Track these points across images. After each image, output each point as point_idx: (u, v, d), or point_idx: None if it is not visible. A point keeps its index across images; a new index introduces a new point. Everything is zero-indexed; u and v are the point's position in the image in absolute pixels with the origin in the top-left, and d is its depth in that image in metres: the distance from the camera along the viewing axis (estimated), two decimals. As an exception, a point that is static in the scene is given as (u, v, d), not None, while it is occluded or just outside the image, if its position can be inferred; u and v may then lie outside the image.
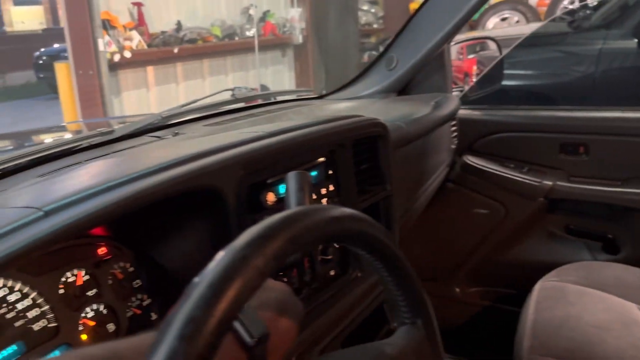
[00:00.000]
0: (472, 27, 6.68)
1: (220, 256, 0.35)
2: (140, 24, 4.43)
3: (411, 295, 0.54)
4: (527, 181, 1.59)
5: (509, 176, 1.61)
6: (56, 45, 9.54)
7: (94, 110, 3.95)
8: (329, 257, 0.89)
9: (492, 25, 6.50)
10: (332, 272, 0.90)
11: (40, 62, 9.37)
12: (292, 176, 0.60)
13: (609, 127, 1.53)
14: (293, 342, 0.49)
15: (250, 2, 5.47)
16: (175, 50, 4.62)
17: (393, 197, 1.01)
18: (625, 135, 1.51)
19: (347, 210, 0.45)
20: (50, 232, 0.49)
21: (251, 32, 5.40)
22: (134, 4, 4.34)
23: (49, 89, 9.14)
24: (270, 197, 0.77)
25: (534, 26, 5.82)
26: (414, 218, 1.58)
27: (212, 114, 1.34)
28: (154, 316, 0.73)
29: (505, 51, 1.77)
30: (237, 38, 5.34)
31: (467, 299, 1.78)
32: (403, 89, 1.65)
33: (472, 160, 1.68)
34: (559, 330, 1.19)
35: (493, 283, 1.73)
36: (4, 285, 0.59)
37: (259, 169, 0.75)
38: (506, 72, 1.74)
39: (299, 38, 5.99)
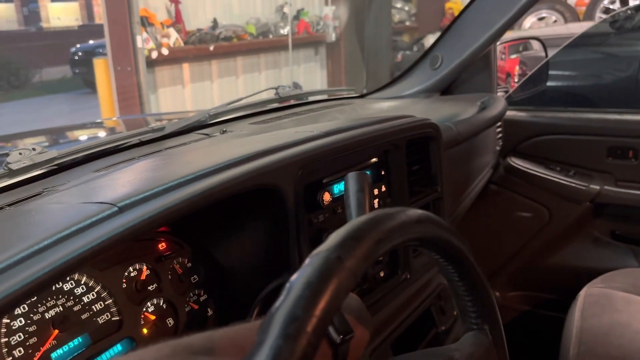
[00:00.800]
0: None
1: (315, 257, 0.35)
2: (177, 21, 4.48)
3: (481, 301, 0.53)
4: (573, 185, 1.56)
5: (554, 179, 1.58)
6: (91, 42, 9.74)
7: (131, 106, 4.02)
8: (379, 258, 0.88)
9: (530, 24, 6.37)
10: (381, 274, 0.90)
11: (76, 57, 9.56)
12: (352, 176, 0.59)
13: None
14: (365, 349, 0.49)
15: (285, 0, 5.48)
16: (211, 48, 4.67)
17: (443, 199, 1.00)
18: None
19: (428, 214, 0.45)
20: (128, 228, 0.50)
21: (285, 30, 5.41)
22: (172, 1, 4.40)
23: (84, 83, 9.35)
24: (327, 197, 0.77)
25: (571, 26, 5.69)
26: (458, 220, 1.56)
27: (257, 112, 1.35)
28: (209, 312, 0.74)
29: (550, 51, 1.73)
30: (271, 36, 5.36)
31: (507, 303, 1.75)
32: (446, 88, 1.63)
33: (516, 162, 1.65)
34: (605, 337, 1.16)
35: (535, 288, 1.69)
36: (71, 279, 0.61)
37: (315, 168, 0.75)
38: (552, 73, 1.70)
39: (332, 36, 5.98)
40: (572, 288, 1.32)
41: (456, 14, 2.00)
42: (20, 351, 0.55)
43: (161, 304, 0.69)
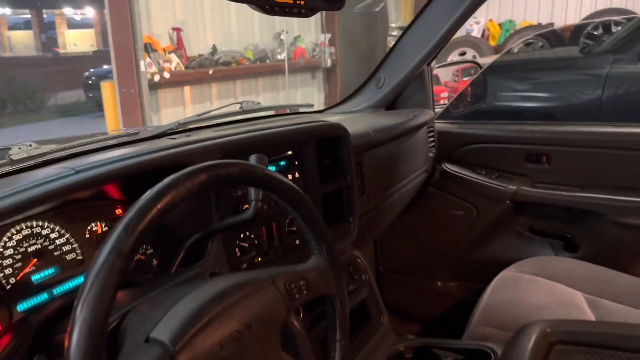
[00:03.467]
0: (497, 51, 6.87)
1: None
2: (179, 47, 4.84)
3: (316, 232, 0.78)
4: (496, 186, 1.80)
5: (481, 182, 1.83)
6: (105, 67, 10.09)
7: (134, 125, 4.34)
8: (294, 228, 1.14)
9: (517, 49, 6.67)
10: (297, 242, 1.15)
11: (90, 82, 9.89)
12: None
13: (569, 139, 1.73)
14: None
15: (282, 27, 5.83)
16: (210, 72, 5.01)
17: (353, 187, 1.26)
18: (583, 147, 1.71)
19: (259, 165, 0.71)
20: (76, 182, 0.76)
21: (282, 56, 5.75)
22: (174, 29, 4.76)
23: (97, 107, 9.71)
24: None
25: (556, 51, 6.02)
26: (394, 215, 1.81)
27: (222, 122, 1.62)
28: (154, 262, 1.00)
29: (483, 76, 2.00)
30: (268, 61, 5.70)
31: (447, 291, 1.98)
32: (391, 104, 1.90)
33: (450, 167, 1.90)
34: (503, 309, 1.39)
35: (468, 277, 1.93)
36: (48, 227, 0.87)
37: (233, 155, 1.01)
38: (480, 92, 1.97)
39: (327, 62, 6.31)
40: (497, 276, 1.55)
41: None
42: (8, 270, 0.81)
43: None
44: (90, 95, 10.07)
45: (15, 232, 0.81)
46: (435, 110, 1.99)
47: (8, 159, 1.07)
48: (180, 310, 0.62)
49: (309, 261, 0.80)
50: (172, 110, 4.88)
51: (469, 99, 1.95)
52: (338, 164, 1.24)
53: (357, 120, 1.70)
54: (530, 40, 6.69)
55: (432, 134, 1.83)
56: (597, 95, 3.28)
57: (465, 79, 2.78)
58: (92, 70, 10.23)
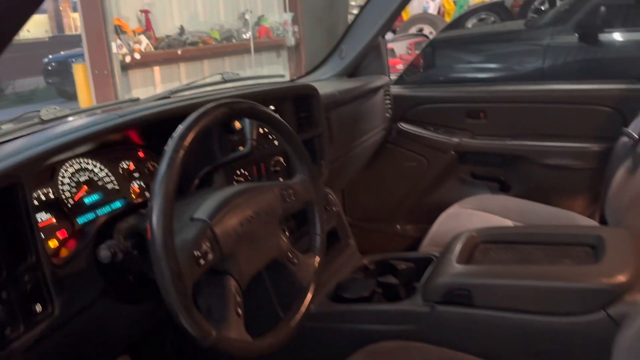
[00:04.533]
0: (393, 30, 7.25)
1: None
2: (147, 29, 5.00)
3: (299, 154, 1.07)
4: (442, 140, 2.13)
5: (429, 137, 2.16)
6: (63, 52, 9.98)
7: (108, 105, 4.51)
8: (278, 169, 1.42)
9: (471, 25, 7.05)
10: (280, 179, 1.44)
11: (49, 68, 9.72)
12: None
13: (501, 97, 2.07)
14: None
15: (246, 7, 6.03)
16: (179, 52, 5.19)
17: (323, 136, 1.55)
18: (513, 103, 2.05)
19: (261, 105, 0.99)
20: (116, 124, 1.04)
21: (247, 35, 5.96)
22: (142, 11, 4.91)
23: (58, 93, 9.62)
24: (238, 125, 1.31)
25: (507, 24, 6.45)
26: (358, 166, 2.12)
27: (210, 90, 1.88)
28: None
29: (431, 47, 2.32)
30: (234, 41, 5.90)
31: (406, 233, 2.32)
32: (352, 73, 2.19)
33: (404, 126, 2.22)
34: (445, 234, 1.72)
35: (422, 219, 2.26)
36: (92, 164, 1.13)
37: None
38: (428, 61, 2.29)
39: (291, 40, 6.55)
40: None
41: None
42: (68, 193, 1.07)
43: (141, 184, 1.21)
44: (50, 81, 9.91)
45: (69, 166, 1.08)
46: (392, 77, 2.30)
47: (39, 119, 1.31)
48: (211, 201, 0.90)
49: (295, 177, 1.09)
50: (143, 90, 5.05)
51: (419, 67, 2.26)
52: (311, 117, 1.53)
53: (324, 85, 1.98)
54: (483, 16, 7.11)
55: (388, 96, 2.14)
56: (538, 64, 3.70)
57: (418, 52, 3.11)
58: (50, 56, 10.05)
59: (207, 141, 1.23)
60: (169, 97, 1.58)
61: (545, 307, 1.07)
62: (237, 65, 6.05)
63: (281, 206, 1.00)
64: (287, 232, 1.36)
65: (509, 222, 1.74)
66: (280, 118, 1.03)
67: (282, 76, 2.19)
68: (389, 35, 3.06)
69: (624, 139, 1.72)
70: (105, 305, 1.01)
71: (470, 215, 1.82)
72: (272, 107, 1.42)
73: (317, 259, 1.07)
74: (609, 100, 1.88)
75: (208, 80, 1.91)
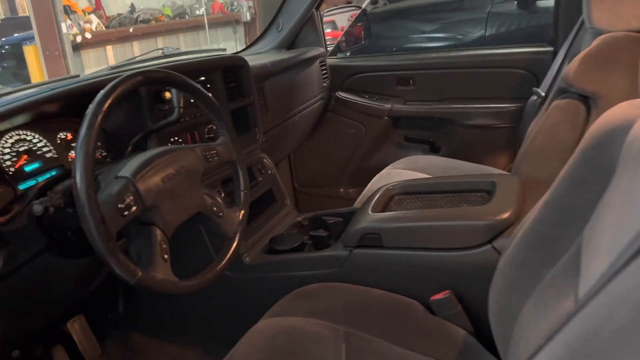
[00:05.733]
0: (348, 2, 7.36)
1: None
2: (97, 7, 4.96)
3: (220, 120, 1.19)
4: (376, 106, 2.28)
5: (365, 104, 2.30)
6: (16, 35, 9.68)
7: (61, 86, 4.49)
8: (212, 135, 1.54)
9: None
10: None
11: (3, 51, 9.45)
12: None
13: (427, 64, 2.22)
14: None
15: (199, -17, 6.00)
16: (131, 30, 5.17)
17: (254, 105, 1.67)
18: (438, 69, 2.20)
19: (178, 74, 1.10)
20: (45, 97, 1.13)
21: (200, 11, 5.95)
22: (91, -11, 4.86)
23: (14, 77, 9.36)
24: (168, 95, 1.41)
25: None
26: (299, 134, 2.25)
27: (148, 65, 1.96)
28: (108, 159, 1.38)
29: (365, 19, 2.44)
30: (187, 17, 5.89)
31: (348, 196, 2.47)
32: (291, 45, 2.30)
33: (342, 95, 2.35)
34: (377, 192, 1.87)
35: (363, 182, 2.41)
36: (31, 135, 1.23)
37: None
38: (363, 32, 2.42)
39: (246, 15, 6.56)
40: None
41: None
42: (9, 162, 1.17)
43: None
44: (5, 65, 9.61)
45: (9, 137, 1.17)
46: (329, 48, 2.42)
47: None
48: (135, 161, 1.02)
49: (218, 139, 1.21)
50: (97, 69, 5.02)
51: (354, 38, 2.39)
52: (241, 87, 1.64)
53: (260, 57, 2.10)
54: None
55: (324, 67, 2.26)
56: (480, 32, 3.87)
57: (359, 24, 3.22)
58: (3, 39, 9.73)
59: (139, 111, 1.34)
60: (107, 74, 1.67)
61: (444, 244, 1.23)
62: (192, 42, 6.05)
63: (203, 165, 1.12)
64: (221, 193, 1.49)
65: (432, 177, 1.90)
66: (197, 84, 1.14)
67: (224, 50, 2.28)
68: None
69: (533, 97, 1.90)
70: (49, 261, 1.13)
71: (399, 174, 1.97)
72: (202, 78, 1.53)
73: (242, 212, 1.20)
74: (522, 63, 2.05)
75: (148, 56, 2.00)
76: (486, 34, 3.92)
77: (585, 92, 1.32)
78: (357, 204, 1.87)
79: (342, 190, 2.48)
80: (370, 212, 1.36)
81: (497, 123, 2.11)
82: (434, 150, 2.28)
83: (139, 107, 1.34)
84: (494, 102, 2.11)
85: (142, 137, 1.32)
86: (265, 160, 1.72)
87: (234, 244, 1.16)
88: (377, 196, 1.46)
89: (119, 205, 0.93)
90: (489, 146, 2.15)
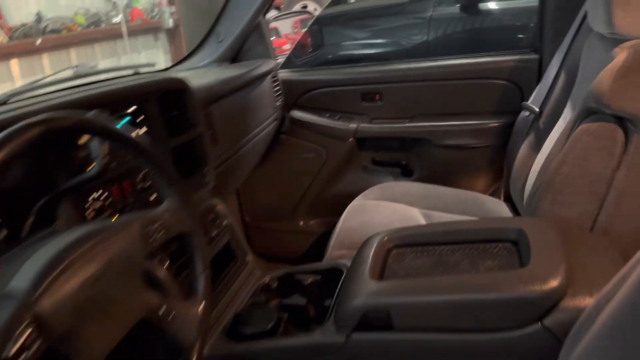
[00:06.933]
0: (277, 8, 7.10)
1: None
2: (-5, 17, 4.31)
3: (163, 175, 0.83)
4: (339, 127, 1.96)
5: (325, 124, 1.98)
6: None
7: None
8: (148, 184, 1.16)
9: None
10: (152, 198, 1.18)
11: None
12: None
13: (395, 76, 1.93)
14: None
15: (114, -12, 5.45)
16: (38, 42, 4.56)
17: (203, 137, 1.30)
18: (408, 82, 1.92)
19: (95, 117, 0.73)
20: None
21: (118, 19, 5.40)
22: (-13, -3, 4.22)
23: None
24: (84, 138, 1.03)
25: None
26: (251, 163, 1.89)
27: (57, 90, 1.54)
28: (3, 232, 0.97)
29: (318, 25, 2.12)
30: (103, 25, 5.32)
31: (309, 229, 2.14)
32: (234, 57, 1.94)
33: (297, 114, 2.02)
34: (354, 232, 1.56)
35: (326, 213, 2.09)
36: None
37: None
38: (316, 40, 2.10)
39: (169, 22, 6.05)
40: None
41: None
42: None
43: None
44: None
45: None
46: (279, 60, 2.08)
47: None
48: (38, 260, 0.64)
49: (162, 205, 0.84)
50: (1, 86, 4.39)
51: (307, 48, 2.06)
52: (184, 117, 1.27)
53: (202, 75, 1.72)
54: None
55: (276, 82, 1.92)
56: (424, 36, 3.63)
57: (305, 30, 2.91)
58: None
59: (43, 164, 0.95)
60: (5, 103, 1.25)
61: (474, 324, 0.93)
62: (110, 52, 5.47)
63: (143, 249, 0.76)
64: (168, 261, 1.11)
65: (415, 210, 1.62)
66: (123, 130, 0.78)
67: (152, 65, 1.88)
68: (272, 14, 2.83)
69: (525, 113, 1.66)
70: None
71: (376, 207, 1.67)
72: (132, 109, 1.15)
73: (202, 305, 0.84)
74: (505, 73, 1.81)
75: (56, 78, 1.57)
76: (429, 39, 3.72)
77: (624, 114, 1.07)
78: (333, 249, 1.54)
79: (301, 223, 2.15)
80: (369, 279, 1.04)
81: (478, 142, 1.86)
82: (406, 174, 2.00)
83: (44, 157, 0.94)
84: (474, 119, 1.86)
85: (50, 201, 0.93)
86: (219, 207, 1.36)
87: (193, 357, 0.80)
88: (370, 252, 1.14)
89: (11, 349, 0.56)
90: (469, 168, 1.90)
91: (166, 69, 1.96)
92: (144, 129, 1.16)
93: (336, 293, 1.16)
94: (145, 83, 1.15)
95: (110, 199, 1.07)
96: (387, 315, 0.96)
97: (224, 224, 1.34)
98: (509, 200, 1.72)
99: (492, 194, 1.88)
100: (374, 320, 0.98)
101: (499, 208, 1.68)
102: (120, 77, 1.76)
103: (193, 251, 0.86)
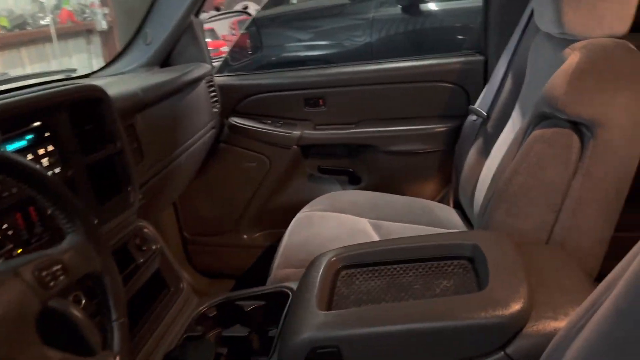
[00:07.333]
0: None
1: None
2: None
3: (63, 206, 0.69)
4: (281, 133, 1.85)
5: (268, 131, 1.86)
6: None
7: None
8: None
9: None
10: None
11: None
12: None
13: (339, 80, 1.83)
14: None
15: (41, -12, 5.11)
16: (-47, 46, 4.19)
17: (125, 152, 1.16)
18: (352, 86, 1.83)
19: None
20: None
21: (46, 21, 5.06)
22: None
23: None
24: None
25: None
26: (187, 177, 1.75)
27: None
28: None
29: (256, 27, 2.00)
30: (29, 28, 4.97)
31: (254, 243, 2.01)
32: (165, 61, 1.79)
33: (237, 121, 1.89)
34: (300, 247, 1.45)
35: (271, 225, 1.97)
36: None
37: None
38: (255, 42, 1.97)
39: (102, 24, 5.74)
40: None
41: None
42: None
43: None
44: None
45: None
46: (215, 64, 1.94)
47: None
48: None
49: (63, 242, 0.70)
50: None
51: (245, 50, 1.93)
52: (102, 130, 1.12)
53: (127, 81, 1.56)
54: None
55: (212, 88, 1.78)
56: (366, 38, 3.56)
57: (243, 31, 2.78)
58: None
59: None
60: None
61: (432, 355, 0.84)
62: (38, 56, 5.11)
63: (39, 299, 0.62)
64: (83, 300, 0.97)
65: (364, 221, 1.54)
66: (8, 154, 0.64)
67: (73, 70, 1.71)
68: (210, 14, 2.68)
69: (472, 117, 1.60)
70: None
71: (323, 219, 1.57)
72: (37, 124, 0.99)
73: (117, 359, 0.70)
74: (450, 76, 1.75)
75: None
76: (372, 41, 3.67)
77: (580, 119, 1.01)
78: (278, 268, 1.43)
79: (245, 236, 2.01)
80: (316, 309, 0.93)
81: (426, 148, 1.79)
82: (354, 181, 1.91)
83: None
84: (421, 123, 1.79)
85: None
86: (145, 230, 1.21)
87: None
88: (317, 275, 1.03)
89: None
90: (418, 174, 1.83)
91: (87, 75, 1.78)
92: (51, 148, 1.00)
93: (281, 322, 1.05)
94: (48, 94, 0.99)
95: (11, 231, 0.91)
96: (336, 351, 0.86)
97: (152, 248, 1.19)
98: (458, 206, 1.66)
99: (441, 200, 1.82)
100: (323, 355, 0.87)
101: (449, 215, 1.62)
102: (30, 85, 1.58)
103: (106, 295, 0.72)
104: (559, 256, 0.99)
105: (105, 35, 5.88)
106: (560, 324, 0.79)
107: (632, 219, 1.06)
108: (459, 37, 2.49)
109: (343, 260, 1.08)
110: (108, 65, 1.79)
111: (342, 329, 0.87)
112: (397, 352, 0.85)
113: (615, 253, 1.07)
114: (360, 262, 1.07)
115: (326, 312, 0.92)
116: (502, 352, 0.81)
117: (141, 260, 1.15)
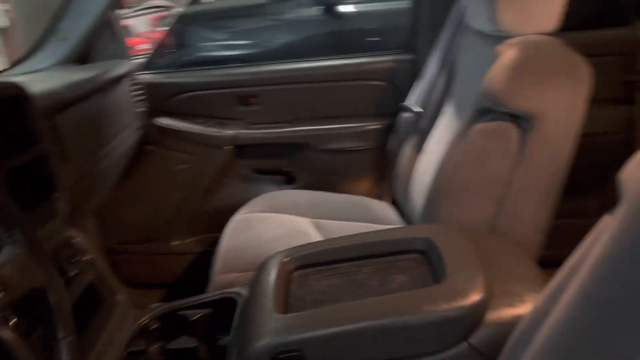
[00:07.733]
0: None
1: None
2: None
3: (0, 214, 0.61)
4: (213, 134, 1.78)
5: (198, 132, 1.78)
6: None
7: None
8: None
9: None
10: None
11: None
12: None
13: (272, 78, 1.80)
14: None
15: None
16: None
17: (49, 155, 1.05)
18: (286, 84, 1.80)
19: None
20: None
21: None
22: None
23: None
24: None
25: None
26: (111, 181, 1.63)
27: None
28: None
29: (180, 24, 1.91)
30: None
31: (186, 249, 1.92)
32: (83, 58, 1.66)
33: (164, 122, 1.80)
34: (242, 251, 1.39)
35: (205, 229, 1.89)
36: None
37: None
38: (180, 39, 1.89)
39: (4, 21, 5.28)
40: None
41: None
42: None
43: None
44: None
45: None
46: (139, 61, 1.83)
47: None
48: None
49: (0, 254, 0.62)
50: None
51: (171, 48, 1.84)
52: (24, 131, 1.01)
53: (44, 79, 1.43)
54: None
55: (136, 86, 1.68)
56: (285, 38, 3.54)
57: (165, 28, 2.66)
58: None
59: None
60: None
61: (396, 351, 0.83)
62: None
63: None
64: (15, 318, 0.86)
65: (305, 220, 1.52)
66: None
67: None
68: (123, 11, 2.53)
69: (405, 114, 1.63)
70: None
71: (262, 220, 1.53)
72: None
73: None
74: (381, 74, 1.77)
75: None
76: (292, 42, 3.66)
77: (520, 112, 1.05)
78: (219, 273, 1.37)
79: (176, 243, 1.92)
80: (273, 311, 0.89)
81: (360, 145, 1.80)
82: (290, 181, 1.87)
83: None
84: (354, 121, 1.79)
85: None
86: (76, 239, 1.11)
87: None
88: (270, 278, 1.00)
89: None
90: (353, 172, 1.83)
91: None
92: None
93: (233, 329, 1.00)
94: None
95: None
96: (300, 354, 0.83)
97: (84, 259, 1.09)
98: (394, 202, 1.68)
99: (378, 197, 1.84)
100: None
101: (386, 211, 1.64)
102: None
103: (52, 311, 0.64)
104: (507, 245, 1.02)
105: (6, 32, 5.42)
106: (518, 311, 0.81)
107: (569, 207, 1.11)
108: (387, 36, 2.54)
109: (295, 261, 1.05)
110: (18, 62, 1.63)
111: (305, 331, 0.84)
112: (361, 350, 0.84)
113: (555, 240, 1.13)
114: (313, 261, 1.05)
115: (284, 315, 0.88)
116: (465, 343, 0.81)
117: (73, 273, 1.05)
